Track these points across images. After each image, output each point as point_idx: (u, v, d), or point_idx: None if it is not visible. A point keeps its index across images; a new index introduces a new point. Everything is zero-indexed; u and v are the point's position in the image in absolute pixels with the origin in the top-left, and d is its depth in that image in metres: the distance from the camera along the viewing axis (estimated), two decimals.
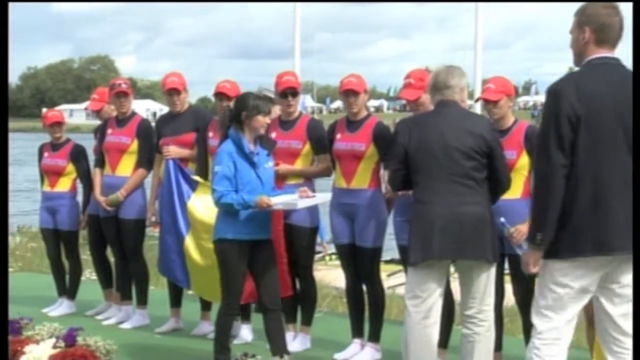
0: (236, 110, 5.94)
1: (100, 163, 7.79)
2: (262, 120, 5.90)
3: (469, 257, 5.31)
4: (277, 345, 6.04)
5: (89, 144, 8.36)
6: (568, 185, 4.36)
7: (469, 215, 5.22)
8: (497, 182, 5.40)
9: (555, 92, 4.42)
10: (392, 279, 10.58)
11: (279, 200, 5.91)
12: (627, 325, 4.53)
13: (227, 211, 5.87)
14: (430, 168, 5.33)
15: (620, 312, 4.55)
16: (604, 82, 4.36)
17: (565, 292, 4.51)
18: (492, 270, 5.43)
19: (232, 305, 5.99)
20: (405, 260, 5.56)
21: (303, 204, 6.02)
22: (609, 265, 4.46)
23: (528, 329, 6.06)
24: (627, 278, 4.47)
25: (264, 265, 6.00)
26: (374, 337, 6.58)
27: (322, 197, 6.33)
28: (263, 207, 5.78)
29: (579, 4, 4.54)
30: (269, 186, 6.00)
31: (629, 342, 4.54)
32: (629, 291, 4.48)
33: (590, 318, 5.81)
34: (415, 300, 5.39)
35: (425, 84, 5.89)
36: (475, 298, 5.43)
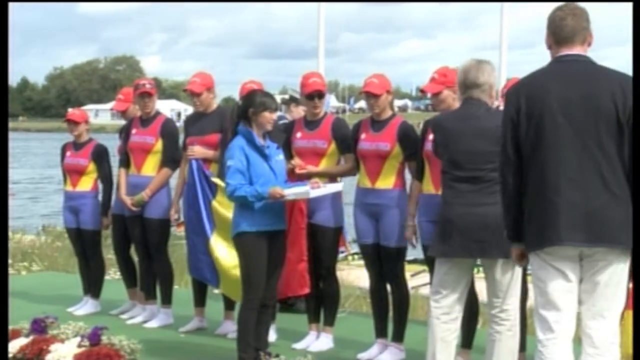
0: (244, 107, 6.08)
1: (125, 163, 7.82)
2: (269, 117, 6.03)
3: (492, 256, 5.32)
4: (259, 339, 6.14)
5: (114, 144, 8.40)
6: (521, 182, 4.54)
7: (489, 216, 5.23)
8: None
9: (507, 93, 4.68)
10: (416, 279, 10.52)
11: (291, 191, 6.01)
12: (594, 325, 4.50)
13: (242, 205, 5.97)
14: (451, 170, 5.41)
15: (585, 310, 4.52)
16: (555, 80, 4.47)
17: (545, 285, 4.55)
18: (517, 270, 5.41)
19: (253, 299, 6.02)
20: (427, 257, 5.59)
21: (315, 193, 6.12)
22: (584, 259, 4.45)
23: None
24: (597, 275, 4.44)
25: (274, 260, 6.09)
26: (398, 337, 6.56)
27: (333, 187, 6.39)
28: (276, 198, 5.90)
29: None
30: (282, 178, 6.11)
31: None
32: (595, 288, 4.46)
33: None
34: (437, 295, 5.46)
35: (447, 80, 5.94)
36: (498, 297, 5.44)
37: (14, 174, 36.39)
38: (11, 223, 11.32)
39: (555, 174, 4.42)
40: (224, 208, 6.69)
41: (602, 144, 4.36)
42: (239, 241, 6.03)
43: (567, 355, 4.55)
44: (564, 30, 4.50)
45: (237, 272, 6.30)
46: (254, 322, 6.10)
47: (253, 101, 6.07)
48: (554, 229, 4.41)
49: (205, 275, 7.08)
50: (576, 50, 4.50)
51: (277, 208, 6.06)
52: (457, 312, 5.50)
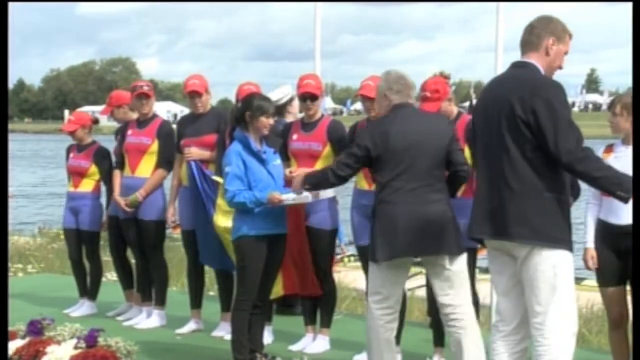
0: (241, 111, 6.09)
1: (121, 165, 7.83)
2: (266, 122, 6.04)
3: (431, 253, 5.37)
4: (254, 340, 6.19)
5: (109, 145, 8.39)
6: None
7: (434, 214, 5.31)
8: (457, 176, 5.51)
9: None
10: (412, 281, 10.53)
11: (290, 197, 6.00)
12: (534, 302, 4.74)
13: (242, 210, 5.97)
14: (392, 169, 5.38)
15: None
16: (494, 86, 4.91)
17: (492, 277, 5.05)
18: (465, 267, 5.46)
19: (247, 301, 6.06)
20: (370, 258, 5.57)
21: (314, 198, 6.12)
22: (512, 252, 4.76)
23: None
24: (523, 271, 4.73)
25: (272, 264, 6.12)
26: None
27: (332, 191, 6.39)
28: (275, 203, 5.91)
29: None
30: (281, 182, 6.12)
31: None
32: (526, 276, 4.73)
33: (614, 321, 5.79)
34: (377, 297, 5.52)
35: (442, 95, 5.99)
36: (448, 295, 5.44)
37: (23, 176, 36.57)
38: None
39: (477, 173, 4.94)
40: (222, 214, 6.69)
41: (505, 143, 4.65)
42: (239, 244, 6.03)
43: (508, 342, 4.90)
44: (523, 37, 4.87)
45: None
46: (247, 324, 6.13)
47: (251, 105, 6.07)
48: (472, 222, 4.94)
49: (225, 261, 7.00)
50: (526, 57, 4.81)
51: (278, 212, 6.06)
52: (397, 312, 5.60)
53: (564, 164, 4.55)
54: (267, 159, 6.05)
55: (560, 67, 4.88)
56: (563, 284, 4.68)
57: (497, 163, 4.70)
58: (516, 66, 4.83)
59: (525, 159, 4.62)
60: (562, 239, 4.67)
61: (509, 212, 4.66)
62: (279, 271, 6.30)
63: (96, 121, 8.44)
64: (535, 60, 4.78)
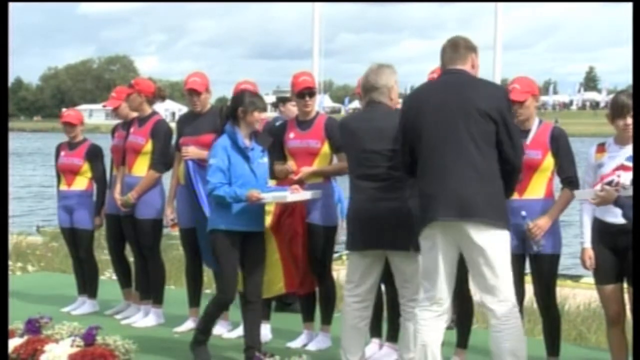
0: (233, 106, 6.25)
1: (120, 162, 7.81)
2: (258, 116, 6.23)
3: (392, 248, 5.70)
4: (252, 336, 6.33)
5: (107, 143, 8.38)
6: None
7: (390, 211, 5.61)
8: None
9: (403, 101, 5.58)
10: None
11: (270, 195, 6.18)
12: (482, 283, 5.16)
13: (219, 203, 6.12)
14: (355, 168, 5.84)
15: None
16: (429, 91, 5.37)
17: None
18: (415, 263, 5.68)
19: (225, 296, 6.26)
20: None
21: (293, 197, 6.27)
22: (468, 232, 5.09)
23: (548, 329, 6.07)
24: (472, 246, 5.09)
25: (253, 258, 6.28)
26: (393, 337, 6.57)
27: (313, 193, 6.47)
28: (253, 201, 6.06)
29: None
30: (263, 180, 6.28)
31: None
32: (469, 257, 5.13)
33: (611, 319, 5.79)
34: (349, 284, 5.93)
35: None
36: (406, 287, 5.83)
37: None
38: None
39: (426, 162, 5.23)
40: None
41: (468, 135, 5.07)
42: (213, 237, 6.21)
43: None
44: (444, 56, 5.38)
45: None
46: (217, 317, 6.44)
47: (242, 101, 6.22)
48: (430, 206, 5.20)
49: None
50: (459, 66, 5.29)
51: (255, 210, 6.21)
52: (369, 301, 5.93)
53: (513, 164, 5.16)
54: (252, 156, 6.20)
55: None
56: (508, 259, 5.18)
57: (458, 153, 5.09)
58: (452, 73, 5.29)
59: (487, 148, 5.09)
60: (507, 220, 5.19)
61: (473, 196, 5.04)
62: (263, 268, 6.39)
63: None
64: (470, 70, 5.31)
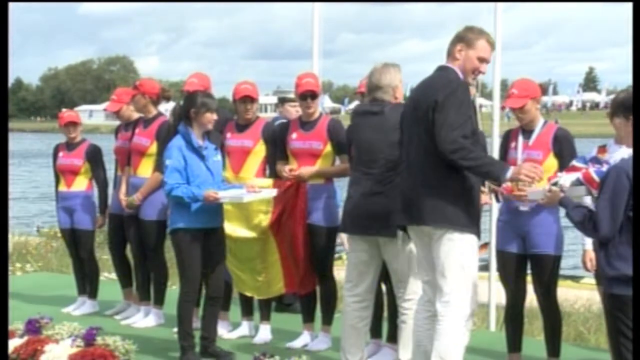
0: (185, 107, 6.37)
1: (128, 163, 7.79)
2: (210, 117, 6.32)
3: (379, 235, 5.76)
4: (209, 328, 6.54)
5: (107, 144, 8.38)
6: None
7: (379, 202, 5.69)
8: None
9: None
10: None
11: (226, 194, 6.28)
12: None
13: (178, 202, 6.25)
14: (354, 161, 5.99)
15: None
16: (421, 86, 5.28)
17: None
18: (411, 253, 5.69)
19: (189, 292, 6.40)
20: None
21: (249, 197, 6.37)
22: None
23: (548, 329, 6.07)
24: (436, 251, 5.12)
25: (213, 256, 6.39)
26: (392, 338, 6.56)
27: (267, 192, 6.55)
28: (210, 201, 6.17)
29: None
30: (219, 178, 6.42)
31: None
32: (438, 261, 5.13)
33: None
34: (348, 284, 6.00)
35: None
36: (402, 288, 5.90)
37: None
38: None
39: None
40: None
41: (421, 137, 5.08)
42: (175, 237, 6.35)
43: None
44: None
45: (245, 266, 6.85)
46: (191, 314, 6.49)
47: (194, 102, 6.34)
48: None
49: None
50: (445, 61, 5.26)
51: (213, 207, 6.33)
52: (369, 301, 5.98)
53: (439, 152, 4.96)
54: (206, 155, 6.32)
55: (480, 71, 5.23)
56: (468, 265, 5.11)
57: (414, 155, 5.18)
58: (438, 69, 5.26)
59: (435, 150, 5.00)
60: (469, 224, 5.09)
61: (421, 201, 5.10)
62: (223, 263, 6.54)
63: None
64: (451, 64, 5.22)
